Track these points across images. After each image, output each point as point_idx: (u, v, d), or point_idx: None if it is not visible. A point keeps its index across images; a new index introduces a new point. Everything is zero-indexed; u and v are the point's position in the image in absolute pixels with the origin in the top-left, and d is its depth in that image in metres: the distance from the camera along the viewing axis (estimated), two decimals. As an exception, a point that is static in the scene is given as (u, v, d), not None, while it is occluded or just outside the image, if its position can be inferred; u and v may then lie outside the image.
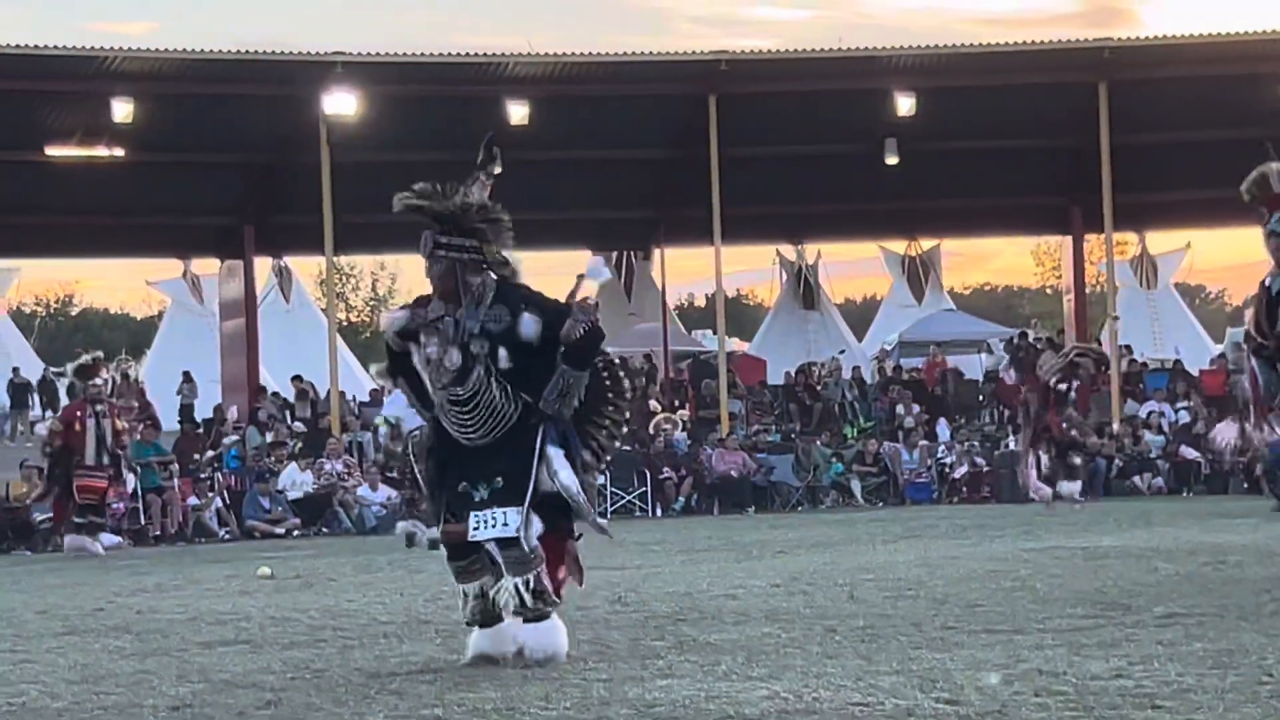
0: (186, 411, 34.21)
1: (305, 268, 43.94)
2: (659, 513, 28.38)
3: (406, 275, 65.75)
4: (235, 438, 29.59)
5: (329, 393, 32.06)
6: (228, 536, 25.68)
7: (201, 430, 31.26)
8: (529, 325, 7.99)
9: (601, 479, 8.73)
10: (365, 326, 67.34)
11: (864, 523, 22.48)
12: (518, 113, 32.05)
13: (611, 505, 26.87)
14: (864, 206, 36.88)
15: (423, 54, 32.47)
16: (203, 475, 27.14)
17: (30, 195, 33.23)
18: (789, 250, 41.49)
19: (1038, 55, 32.94)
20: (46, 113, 32.13)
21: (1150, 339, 39.56)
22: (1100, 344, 32.29)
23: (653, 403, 31.51)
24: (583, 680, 7.32)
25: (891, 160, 34.24)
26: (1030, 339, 36.92)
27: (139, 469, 24.80)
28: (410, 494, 25.02)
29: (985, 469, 29.96)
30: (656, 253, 38.73)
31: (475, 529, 7.96)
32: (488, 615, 8.13)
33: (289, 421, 31.75)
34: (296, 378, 34.07)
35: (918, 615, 9.44)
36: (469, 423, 8.01)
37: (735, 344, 44.31)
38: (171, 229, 35.94)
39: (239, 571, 16.07)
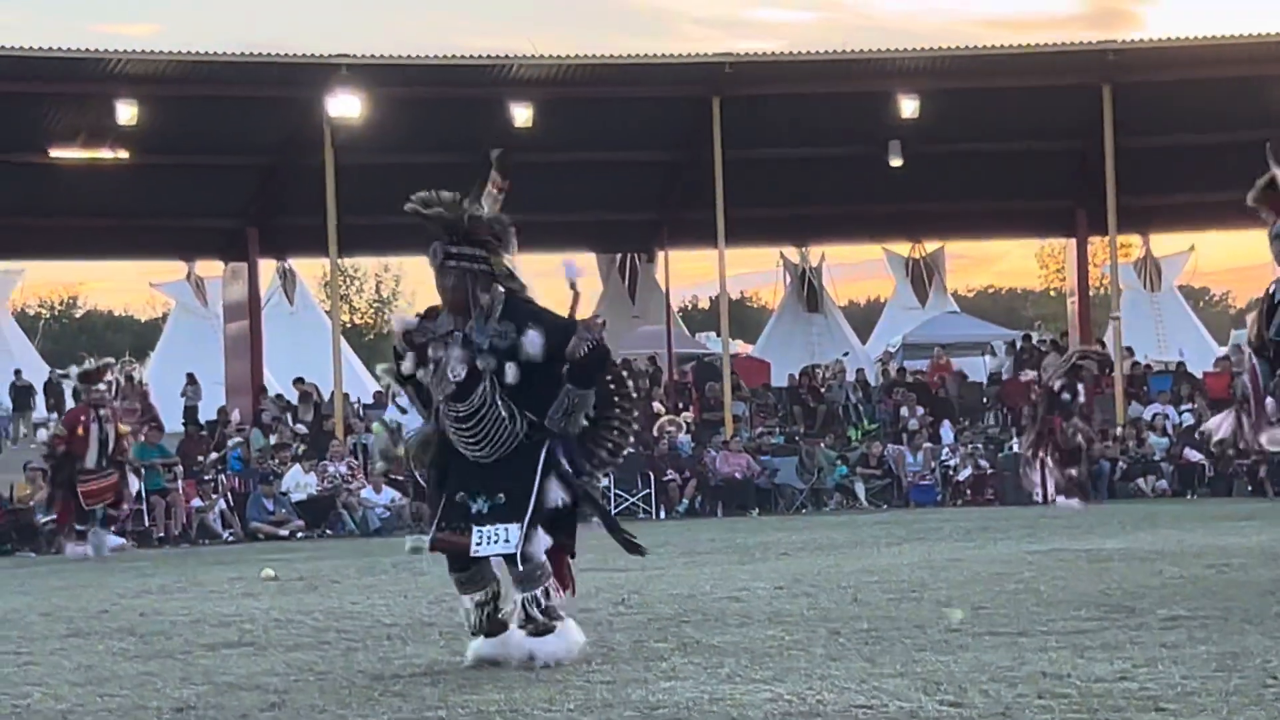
0: (190, 413, 34.23)
1: (309, 270, 44.00)
2: (663, 515, 28.39)
3: (410, 277, 65.87)
4: (239, 440, 29.60)
5: (333, 395, 32.07)
6: (231, 538, 25.70)
7: (205, 432, 31.27)
8: (533, 343, 7.95)
9: (605, 481, 8.71)
10: (369, 329, 67.39)
11: (868, 525, 22.47)
12: (521, 115, 32.10)
13: (616, 507, 26.86)
14: (868, 209, 36.88)
15: (427, 56, 32.50)
16: (206, 477, 27.17)
17: (34, 197, 33.27)
18: (793, 252, 41.51)
19: (1042, 58, 32.95)
20: (51, 115, 32.16)
21: (1154, 341, 39.55)
22: (1103, 345, 32.32)
23: (656, 405, 31.51)
24: (586, 682, 7.32)
25: (895, 162, 34.24)
26: (1034, 341, 36.93)
27: (143, 471, 24.80)
28: (416, 504, 25.06)
29: (989, 471, 29.96)
30: (660, 255, 38.75)
31: (478, 544, 7.94)
32: (492, 625, 8.12)
33: (291, 423, 31.76)
34: (299, 380, 34.08)
35: (922, 618, 9.43)
36: (472, 439, 7.98)
37: (739, 346, 44.31)
38: (176, 231, 35.97)
39: (243, 574, 16.07)
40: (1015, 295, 78.35)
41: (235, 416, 31.85)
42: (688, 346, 42.18)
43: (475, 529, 7.93)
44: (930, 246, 42.41)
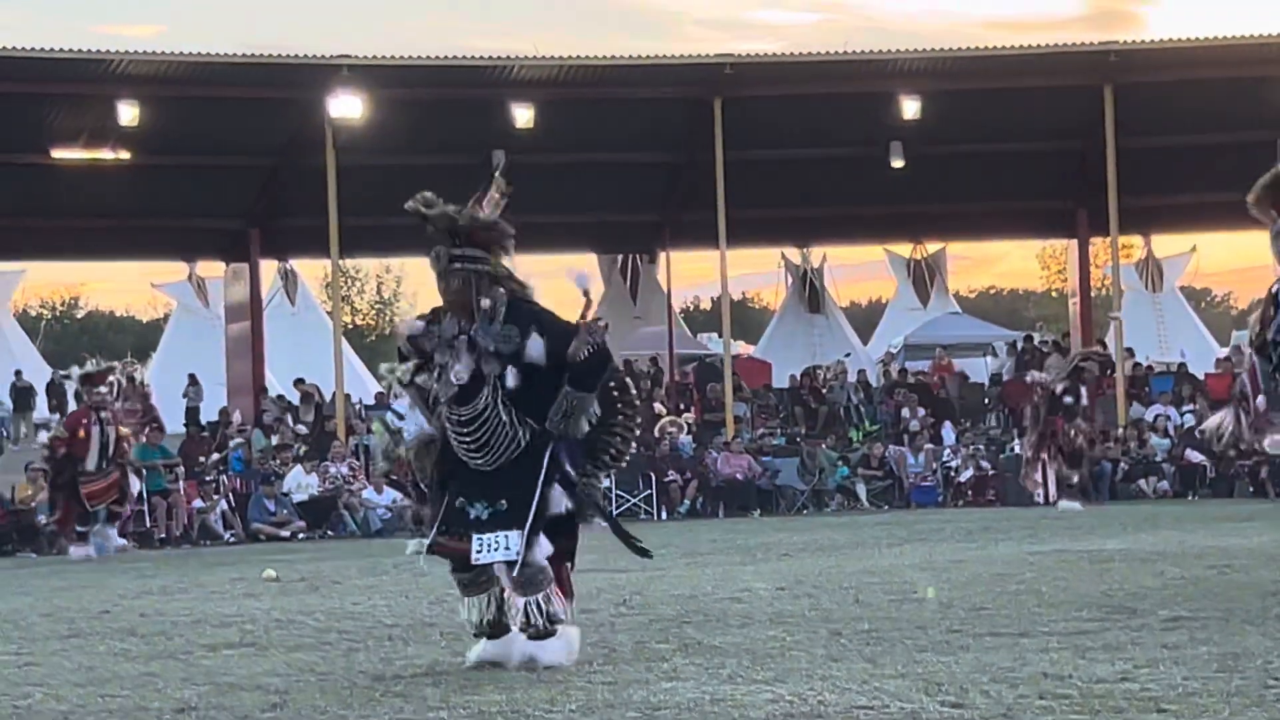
0: (192, 414, 34.22)
1: (310, 271, 43.96)
2: (664, 515, 28.40)
3: (411, 279, 65.87)
4: (240, 440, 29.60)
5: (334, 395, 32.07)
6: (233, 539, 25.71)
7: (207, 433, 31.26)
8: (536, 348, 7.95)
9: (606, 482, 8.73)
10: (370, 330, 67.39)
11: (869, 526, 22.47)
12: (523, 116, 32.11)
13: (617, 508, 26.87)
14: (869, 210, 36.86)
15: (428, 57, 32.49)
16: (208, 478, 27.17)
17: (36, 198, 33.29)
18: (794, 253, 41.49)
19: (1043, 59, 32.95)
20: (52, 115, 32.17)
21: (1156, 342, 39.54)
22: (1105, 347, 32.33)
23: (658, 406, 31.51)
24: (588, 683, 7.32)
25: (897, 163, 34.23)
26: (1036, 342, 36.92)
27: (144, 472, 24.81)
28: (416, 506, 25.06)
29: (990, 472, 29.97)
30: (662, 256, 38.73)
31: (478, 552, 7.93)
32: (494, 627, 8.12)
33: (292, 424, 31.76)
34: (299, 380, 34.08)
35: (923, 618, 9.44)
36: (472, 445, 7.97)
37: (740, 347, 44.32)
38: (177, 232, 35.98)
39: (244, 574, 16.08)
40: (1017, 296, 78.35)
41: (237, 417, 31.85)
42: (689, 347, 42.17)
43: (475, 536, 7.92)
44: (932, 247, 42.39)
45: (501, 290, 8.05)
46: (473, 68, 32.39)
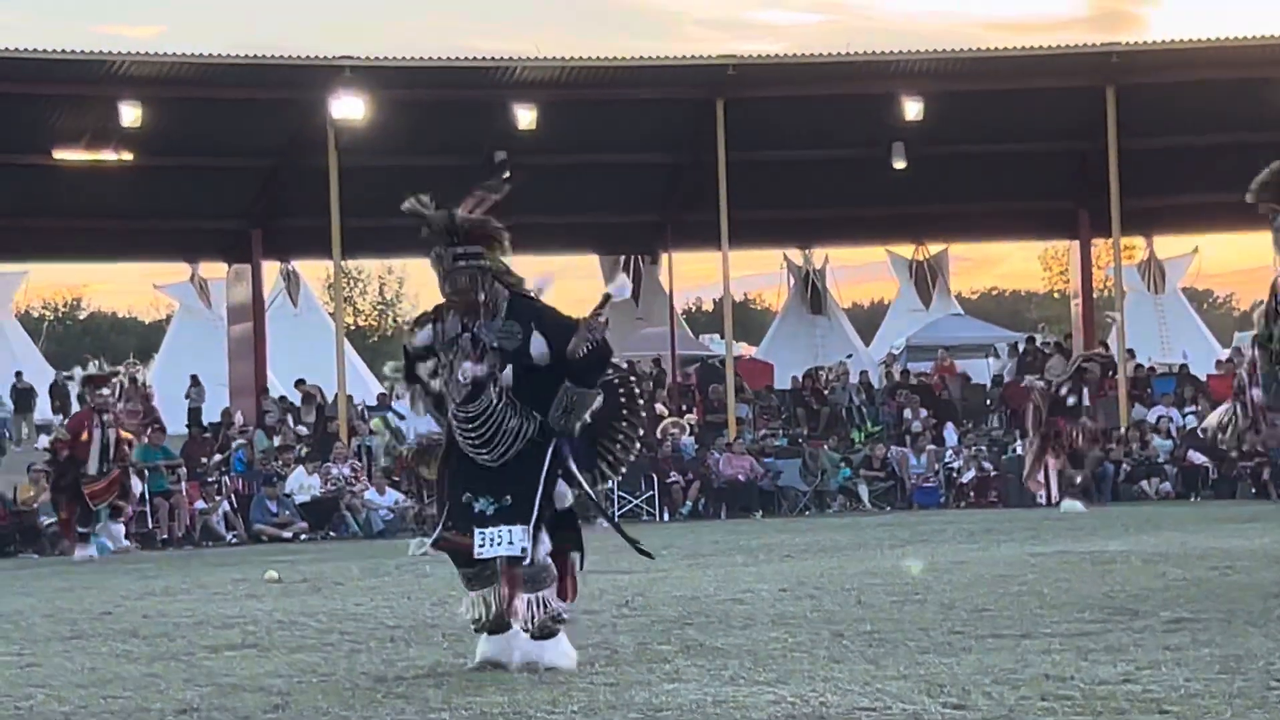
0: (194, 415, 34.22)
1: (313, 272, 43.96)
2: (666, 517, 28.40)
3: (413, 279, 65.87)
4: (241, 442, 29.60)
5: (336, 396, 32.07)
6: (235, 540, 25.71)
7: (209, 434, 31.26)
8: (538, 346, 7.97)
9: (609, 483, 8.76)
10: (373, 330, 67.41)
11: (871, 527, 22.47)
12: (525, 117, 32.10)
13: (619, 509, 26.88)
14: (871, 211, 36.84)
15: (430, 58, 32.46)
16: (210, 479, 27.17)
17: (38, 199, 33.28)
18: (796, 255, 41.49)
19: (1045, 60, 32.95)
20: (54, 116, 32.17)
21: (1158, 343, 39.54)
22: (1107, 348, 32.32)
23: (660, 407, 31.52)
24: (589, 684, 7.32)
25: (899, 165, 34.21)
26: (1038, 344, 36.91)
27: (147, 473, 24.82)
28: (418, 505, 25.07)
29: (993, 474, 29.96)
30: (664, 257, 38.70)
31: (481, 546, 7.94)
32: (496, 623, 8.13)
33: (293, 425, 31.75)
34: (300, 381, 34.07)
35: (925, 620, 9.44)
36: (478, 441, 7.98)
37: (742, 348, 44.30)
38: (179, 233, 35.97)
39: (246, 575, 16.08)
40: (1019, 297, 78.32)
41: (239, 418, 31.85)
42: (691, 348, 42.17)
43: (478, 530, 7.93)
44: (934, 248, 42.38)
45: (503, 288, 8.06)
46: (475, 69, 32.38)
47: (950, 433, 32.36)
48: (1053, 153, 35.81)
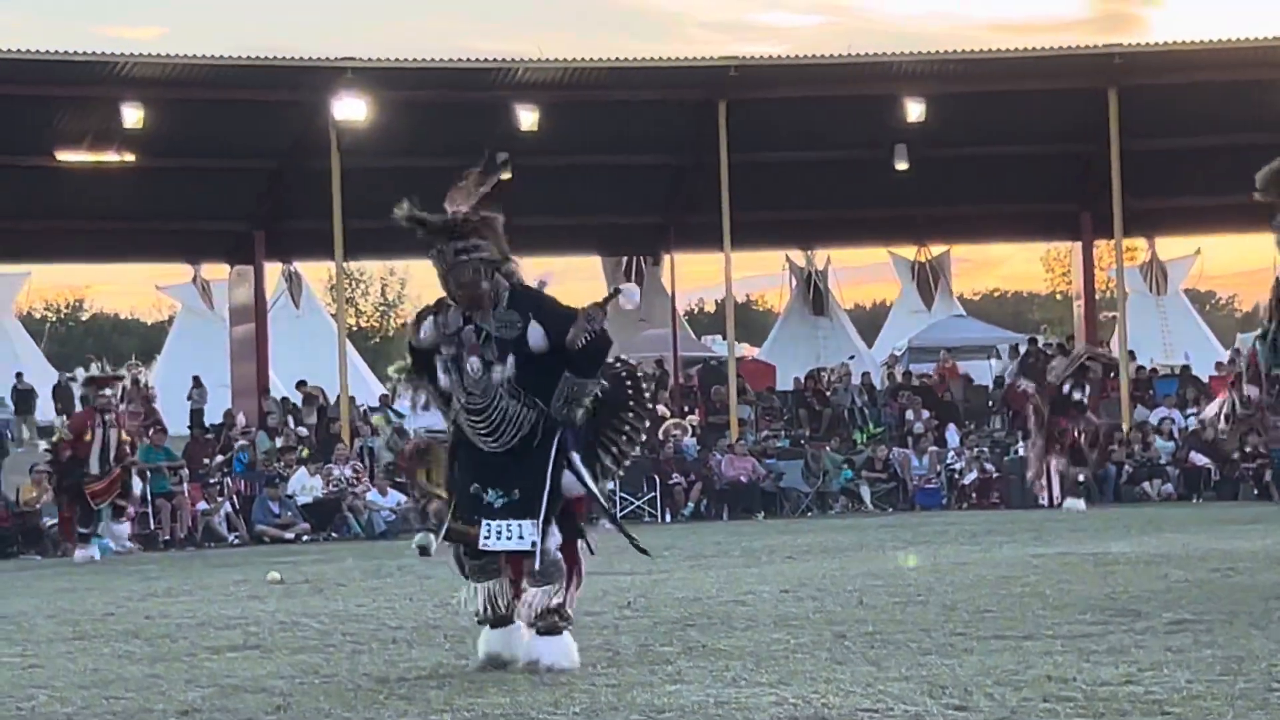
0: (196, 416, 34.23)
1: (315, 273, 44.04)
2: (668, 518, 28.40)
3: (415, 281, 65.88)
4: (243, 443, 29.61)
5: (338, 398, 32.07)
6: (237, 541, 25.71)
7: (211, 435, 31.27)
8: (536, 336, 7.98)
9: (611, 484, 8.70)
10: (375, 332, 67.43)
11: (873, 528, 22.47)
12: (527, 118, 32.11)
13: (621, 510, 26.86)
14: (874, 212, 36.85)
15: (433, 59, 32.47)
16: (212, 480, 27.17)
17: (41, 200, 33.30)
18: (798, 256, 41.53)
19: (1048, 61, 32.96)
20: (57, 118, 32.18)
21: (1160, 345, 39.58)
22: (1108, 349, 32.34)
23: (662, 409, 31.51)
24: (591, 686, 7.32)
25: (901, 166, 34.23)
26: (1040, 345, 36.91)
27: (149, 474, 24.83)
28: (419, 503, 25.02)
29: (995, 475, 29.94)
30: (666, 258, 38.73)
31: (486, 538, 7.94)
32: (500, 617, 8.13)
33: (293, 426, 31.75)
34: (301, 383, 34.07)
35: (927, 621, 9.44)
36: (485, 430, 7.99)
37: (745, 349, 44.34)
38: (182, 234, 36.00)
39: (248, 576, 16.08)
40: (1021, 299, 78.36)
41: (241, 419, 31.86)
42: (693, 350, 42.20)
43: (485, 522, 7.93)
44: (936, 250, 42.42)
45: (503, 280, 8.07)
46: (477, 70, 32.38)
47: (952, 434, 32.35)
48: (1054, 154, 35.80)
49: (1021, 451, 28.69)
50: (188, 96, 31.46)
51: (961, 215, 37.48)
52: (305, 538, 25.83)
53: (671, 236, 37.15)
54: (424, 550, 11.31)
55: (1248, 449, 29.10)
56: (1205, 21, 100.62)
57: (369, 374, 41.22)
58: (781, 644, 8.59)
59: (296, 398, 33.91)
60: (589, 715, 6.62)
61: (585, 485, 8.14)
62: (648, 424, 8.66)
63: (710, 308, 70.73)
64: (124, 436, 21.88)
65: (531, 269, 8.32)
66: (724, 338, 38.00)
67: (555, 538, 8.03)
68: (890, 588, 11.79)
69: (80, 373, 22.72)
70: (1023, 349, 37.11)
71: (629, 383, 8.49)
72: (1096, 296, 38.24)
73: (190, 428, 32.61)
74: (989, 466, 30.14)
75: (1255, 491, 28.51)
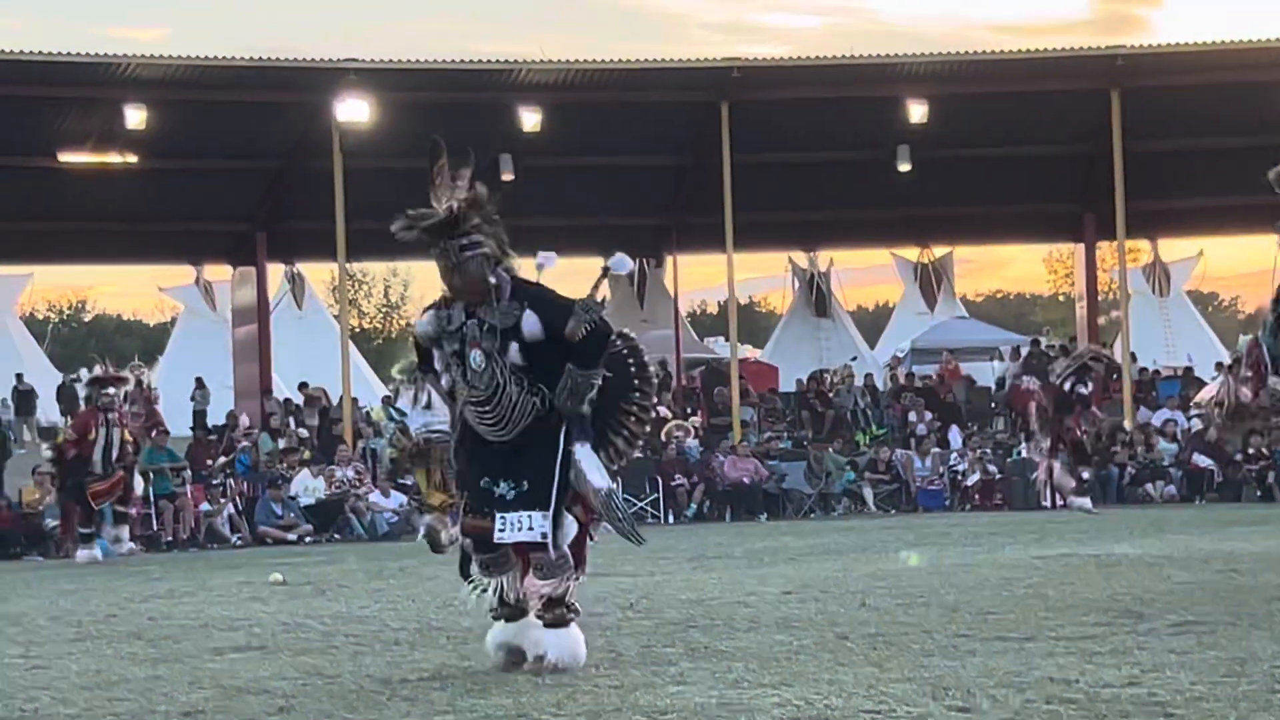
0: (199, 418, 34.24)
1: (317, 274, 43.99)
2: (671, 519, 28.41)
3: (418, 282, 65.88)
4: (247, 444, 29.61)
5: (341, 399, 32.07)
6: (240, 542, 25.73)
7: (214, 436, 31.27)
8: (530, 323, 7.96)
9: (614, 485, 8.69)
10: (377, 333, 67.41)
11: (876, 530, 22.47)
12: (530, 119, 32.14)
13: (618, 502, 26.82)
14: (876, 213, 36.87)
15: (435, 61, 32.49)
16: (215, 481, 27.17)
17: (43, 201, 33.32)
18: (801, 257, 41.50)
19: (1050, 63, 32.98)
20: (60, 119, 32.20)
21: (1163, 346, 39.53)
22: (1111, 350, 32.32)
23: (664, 410, 31.51)
24: (594, 687, 7.32)
25: (904, 167, 34.25)
26: (1043, 346, 36.90)
27: (151, 475, 24.84)
28: (417, 502, 25.02)
29: (997, 476, 29.96)
30: (669, 260, 38.71)
31: (501, 530, 7.94)
32: (512, 610, 8.12)
33: (294, 427, 31.75)
34: (303, 385, 34.08)
35: (930, 623, 9.43)
36: (492, 420, 7.99)
37: (747, 351, 44.34)
38: (184, 235, 36.01)
39: (251, 577, 16.08)
40: (1024, 300, 78.33)
41: (244, 420, 31.87)
42: (696, 351, 42.20)
43: (499, 515, 7.93)
44: (938, 251, 42.39)
45: (504, 273, 8.07)
46: (480, 71, 32.39)
47: (955, 435, 32.36)
48: (1057, 156, 35.82)
49: (1024, 453, 28.65)
50: (190, 97, 31.48)
51: (964, 216, 37.48)
52: (308, 539, 25.85)
53: (674, 238, 37.16)
54: (435, 545, 11.27)
55: (1251, 450, 29.12)
56: (1208, 23, 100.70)
57: (372, 375, 41.25)
58: (784, 645, 8.59)
59: (299, 399, 33.92)
60: (592, 716, 6.62)
61: (592, 478, 8.12)
62: (655, 400, 8.65)
63: (713, 309, 70.72)
64: (127, 437, 21.88)
65: (533, 268, 8.31)
66: (726, 339, 38.00)
67: (571, 529, 8.03)
68: (893, 589, 11.78)
69: (84, 373, 22.73)
70: (1024, 350, 37.12)
71: (631, 361, 8.48)
72: (1099, 298, 38.21)
73: (193, 429, 32.62)
74: (992, 468, 30.15)
75: (1258, 493, 28.54)
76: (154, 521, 25.36)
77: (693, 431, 31.43)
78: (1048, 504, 25.52)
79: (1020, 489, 28.71)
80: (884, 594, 11.41)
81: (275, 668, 8.55)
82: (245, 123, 32.64)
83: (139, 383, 25.08)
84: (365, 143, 31.53)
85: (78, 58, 30.57)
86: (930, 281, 42.73)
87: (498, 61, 32.65)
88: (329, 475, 27.48)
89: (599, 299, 8.11)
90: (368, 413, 32.70)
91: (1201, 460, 29.75)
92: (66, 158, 33.08)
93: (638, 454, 8.70)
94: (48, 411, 36.25)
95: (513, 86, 32.21)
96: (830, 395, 34.63)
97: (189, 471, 26.78)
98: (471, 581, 8.33)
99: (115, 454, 21.51)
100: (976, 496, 29.64)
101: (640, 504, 28.12)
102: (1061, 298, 66.35)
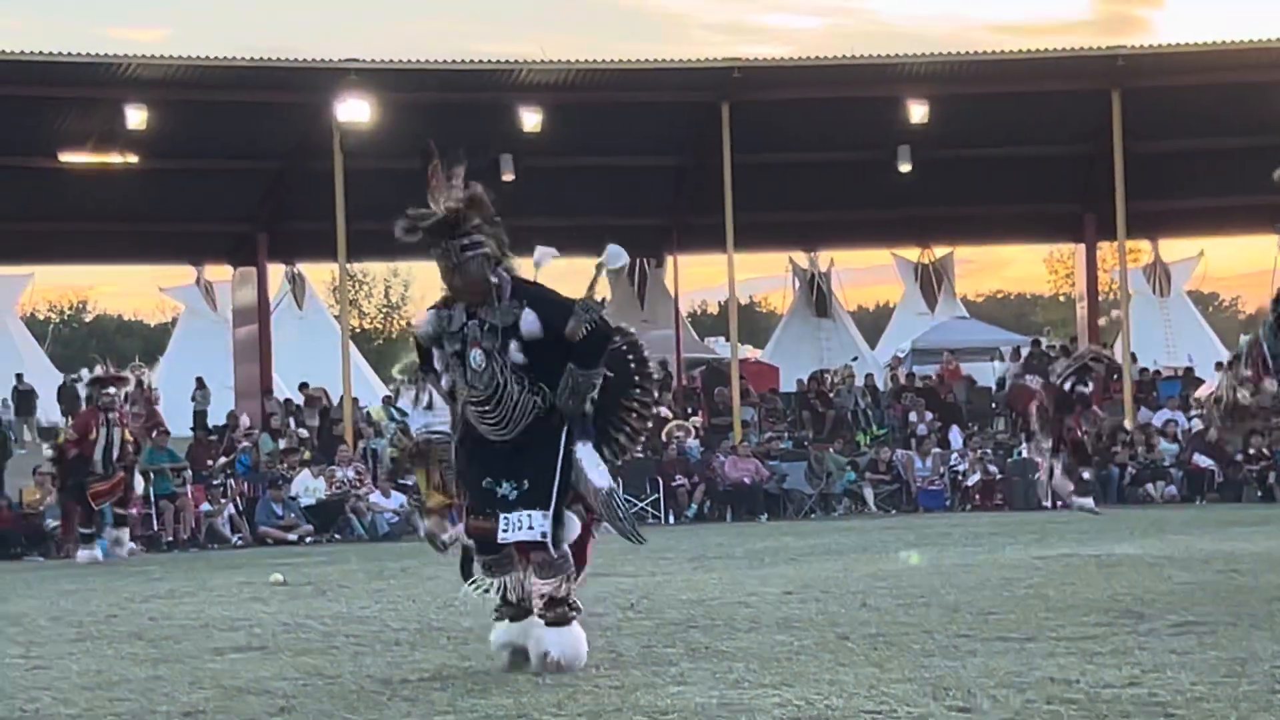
0: (199, 418, 34.24)
1: (318, 274, 44.03)
2: (671, 520, 28.40)
3: (419, 282, 65.90)
4: (247, 444, 29.61)
5: (341, 399, 32.07)
6: (240, 543, 25.73)
7: (214, 437, 31.28)
8: (529, 321, 7.95)
9: (615, 484, 8.67)
10: (378, 333, 67.41)
11: (876, 530, 22.47)
12: (531, 120, 32.14)
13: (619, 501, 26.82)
14: (877, 214, 36.87)
15: (436, 61, 32.48)
16: (215, 482, 27.17)
17: (44, 201, 33.32)
18: (802, 257, 41.51)
19: (1051, 63, 32.99)
20: (61, 119, 32.20)
21: (1163, 347, 39.54)
22: (1111, 351, 32.31)
23: (665, 410, 31.52)
24: (595, 687, 7.32)
25: (905, 168, 34.26)
26: (1043, 346, 36.90)
27: (152, 475, 24.84)
28: (417, 502, 25.02)
29: (998, 476, 29.96)
30: (670, 260, 38.73)
31: (504, 530, 7.93)
32: (515, 610, 8.12)
33: (294, 427, 31.75)
34: (303, 385, 34.08)
35: (930, 623, 9.43)
36: (494, 420, 7.98)
37: (748, 351, 44.34)
38: (185, 236, 36.01)
39: (252, 578, 16.08)
40: (1024, 300, 78.37)
41: (244, 421, 31.88)
42: (697, 351, 42.20)
43: (502, 515, 7.93)
44: (939, 251, 42.41)
45: (505, 273, 8.07)
46: (480, 71, 32.39)
47: (955, 436, 32.36)
48: (1058, 156, 35.82)
49: (1025, 453, 28.64)
50: (191, 98, 31.48)
51: (964, 217, 37.48)
52: (308, 539, 25.85)
53: (675, 238, 37.17)
54: (435, 547, 11.25)
55: (1251, 451, 29.12)
56: (1209, 23, 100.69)
57: (372, 376, 41.25)
58: (785, 646, 8.59)
59: (299, 399, 33.91)
60: (593, 716, 6.61)
61: (593, 478, 8.12)
62: (657, 396, 8.64)
63: (713, 309, 70.73)
64: (127, 436, 21.88)
65: (533, 268, 8.31)
66: (727, 339, 37.99)
67: (575, 527, 8.03)
68: (893, 589, 11.78)
69: (85, 373, 22.73)
70: (1024, 351, 37.12)
71: (631, 357, 8.48)
72: (1100, 298, 38.21)
73: (193, 429, 32.63)
74: (992, 468, 30.16)
75: (1259, 493, 28.53)
76: (154, 522, 25.37)
77: (693, 432, 31.43)
78: (1048, 504, 25.52)
79: (1021, 489, 28.71)
80: (885, 594, 11.41)
81: (276, 668, 8.55)
82: (246, 123, 32.64)
83: (139, 383, 25.09)
84: (366, 143, 31.51)
85: (78, 58, 30.57)
86: (931, 282, 42.74)
87: (498, 62, 32.66)
88: (329, 476, 27.48)
89: (599, 298, 8.10)
90: (368, 413, 32.71)
91: (1202, 460, 29.75)
92: (67, 158, 33.09)
93: (639, 453, 8.70)
94: (48, 412, 36.26)
95: (513, 87, 32.21)
96: (831, 395, 34.63)
97: (189, 472, 26.79)
98: (473, 582, 8.33)
99: (116, 454, 21.51)
100: (977, 497, 29.64)
101: (641, 504, 28.11)
102: (1062, 298, 66.36)
